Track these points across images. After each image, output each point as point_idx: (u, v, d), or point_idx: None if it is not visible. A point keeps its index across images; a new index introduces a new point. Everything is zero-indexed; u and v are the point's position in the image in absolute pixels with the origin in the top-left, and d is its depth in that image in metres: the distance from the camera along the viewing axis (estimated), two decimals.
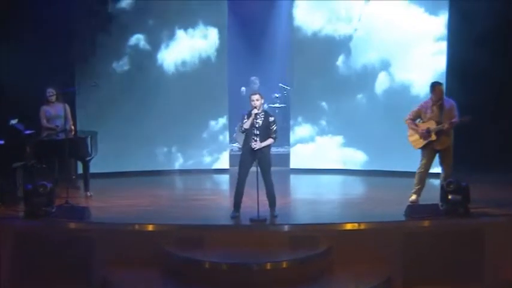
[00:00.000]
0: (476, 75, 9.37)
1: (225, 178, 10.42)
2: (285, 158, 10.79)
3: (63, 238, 7.00)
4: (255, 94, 7.32)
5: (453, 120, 7.79)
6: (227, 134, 10.69)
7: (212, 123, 10.54)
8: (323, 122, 10.35)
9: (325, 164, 10.27)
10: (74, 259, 6.84)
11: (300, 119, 10.52)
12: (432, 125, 7.89)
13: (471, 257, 6.93)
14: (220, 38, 10.49)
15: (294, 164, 10.54)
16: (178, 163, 10.45)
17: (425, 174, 8.07)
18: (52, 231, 7.08)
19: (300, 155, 10.50)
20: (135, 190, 9.17)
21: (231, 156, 10.78)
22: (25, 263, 6.91)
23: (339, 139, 10.29)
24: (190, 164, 10.47)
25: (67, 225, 7.21)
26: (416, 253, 6.94)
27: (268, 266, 6.54)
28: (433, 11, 9.69)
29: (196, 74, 10.44)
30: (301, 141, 10.53)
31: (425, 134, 7.89)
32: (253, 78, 11.84)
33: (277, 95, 12.05)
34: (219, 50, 10.49)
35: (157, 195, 8.84)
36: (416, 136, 7.99)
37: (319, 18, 10.18)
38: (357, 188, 9.57)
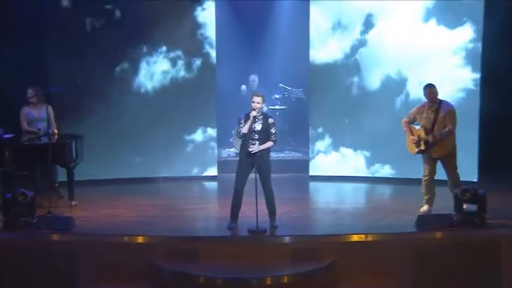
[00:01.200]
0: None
1: (213, 186, 10.46)
2: (304, 164, 10.91)
3: (44, 251, 6.98)
4: (258, 96, 7.28)
5: (438, 134, 7.67)
6: (215, 138, 10.76)
7: (199, 130, 10.66)
8: (342, 133, 10.54)
9: (341, 171, 10.44)
10: (57, 274, 6.81)
11: (320, 129, 10.70)
12: (422, 133, 7.88)
13: (487, 272, 6.90)
14: (210, 37, 10.62)
15: (313, 170, 10.70)
16: (165, 170, 10.50)
17: (431, 182, 8.05)
18: (33, 243, 7.06)
19: (320, 162, 10.63)
20: (122, 199, 9.18)
21: (219, 163, 10.83)
22: (3, 278, 6.89)
23: (357, 148, 10.42)
24: (177, 171, 10.53)
25: (49, 237, 7.20)
26: (428, 267, 6.93)
27: (268, 281, 6.52)
28: (450, 24, 9.82)
29: (183, 76, 10.57)
30: (322, 148, 10.69)
31: (416, 142, 7.89)
32: (252, 77, 11.89)
33: (277, 96, 12.09)
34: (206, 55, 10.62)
35: (145, 204, 8.87)
36: (408, 138, 8.03)
37: (334, 32, 10.43)
38: (366, 196, 9.60)
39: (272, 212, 7.47)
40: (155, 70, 10.53)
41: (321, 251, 6.95)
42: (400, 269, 6.92)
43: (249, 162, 7.30)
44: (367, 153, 10.41)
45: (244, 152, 7.35)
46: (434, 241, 7.12)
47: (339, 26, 10.36)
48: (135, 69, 10.45)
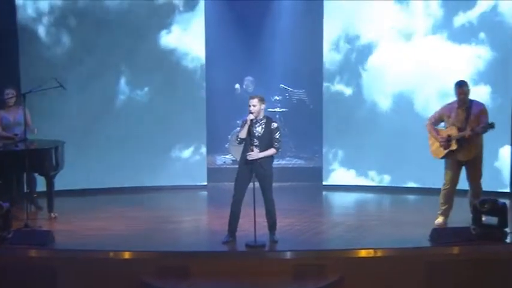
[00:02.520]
0: None
1: (203, 196, 10.50)
2: (307, 172, 10.98)
3: (21, 269, 6.93)
4: (253, 98, 7.30)
5: (477, 128, 7.75)
6: (204, 143, 10.77)
7: (189, 135, 10.71)
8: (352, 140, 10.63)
9: (350, 180, 10.53)
10: None
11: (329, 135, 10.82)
12: (454, 131, 7.89)
13: None
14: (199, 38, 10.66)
15: (317, 179, 10.77)
16: (151, 179, 10.55)
17: (451, 192, 8.04)
18: (8, 260, 7.01)
19: (327, 170, 10.71)
20: (106, 211, 9.18)
21: (209, 171, 10.83)
22: None
23: (367, 156, 10.51)
24: (164, 180, 10.58)
25: (27, 252, 7.14)
26: (443, 285, 6.91)
27: None
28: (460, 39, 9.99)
29: (166, 79, 10.63)
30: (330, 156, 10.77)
31: (445, 142, 7.90)
32: (248, 78, 11.92)
33: (277, 98, 12.10)
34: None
35: (131, 216, 8.88)
36: (437, 144, 8.00)
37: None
38: (376, 207, 9.61)
39: (272, 225, 7.45)
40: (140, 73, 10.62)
41: (326, 268, 6.92)
42: (412, 287, 6.89)
43: (248, 170, 7.29)
44: (377, 162, 10.47)
45: (243, 158, 7.34)
46: (451, 257, 7.09)
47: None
48: (118, 75, 10.52)
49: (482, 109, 7.91)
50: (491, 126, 7.70)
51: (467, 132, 7.76)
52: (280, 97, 12.17)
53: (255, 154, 7.21)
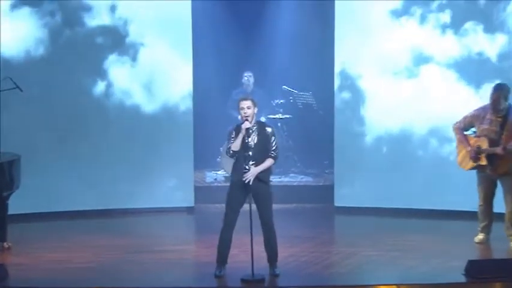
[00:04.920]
0: None
1: (189, 220, 10.53)
2: (317, 191, 11.04)
3: None
4: (246, 99, 7.29)
5: (509, 144, 7.76)
6: (190, 156, 10.79)
7: (172, 145, 10.71)
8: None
9: (371, 202, 10.57)
10: None
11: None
12: (484, 144, 7.86)
13: None
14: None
15: (327, 200, 10.82)
16: (125, 200, 10.55)
17: (488, 209, 8.10)
18: None
19: (347, 190, 10.75)
20: (71, 239, 9.17)
21: (197, 190, 10.84)
22: None
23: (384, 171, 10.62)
24: (141, 201, 10.58)
25: None
26: None
27: None
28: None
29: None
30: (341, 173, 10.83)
31: (474, 155, 7.88)
32: (246, 74, 11.91)
33: (279, 102, 12.09)
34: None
35: (101, 245, 8.85)
36: (465, 153, 8.02)
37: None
38: (399, 233, 9.55)
39: (273, 256, 7.40)
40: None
41: None
42: None
43: (243, 187, 7.23)
44: (400, 179, 10.52)
45: (236, 174, 7.28)
46: None
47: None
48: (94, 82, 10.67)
49: None
50: None
51: (498, 150, 7.78)
52: (283, 101, 12.15)
53: (252, 172, 7.17)
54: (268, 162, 7.26)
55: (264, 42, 11.96)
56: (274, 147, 7.27)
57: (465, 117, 8.16)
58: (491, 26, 10.11)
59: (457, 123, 8.19)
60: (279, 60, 11.98)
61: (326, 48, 11.10)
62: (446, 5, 10.31)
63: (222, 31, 11.93)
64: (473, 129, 8.15)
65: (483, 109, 8.06)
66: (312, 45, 11.97)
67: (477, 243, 7.98)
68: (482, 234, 8.15)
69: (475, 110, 8.14)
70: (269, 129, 7.31)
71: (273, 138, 7.27)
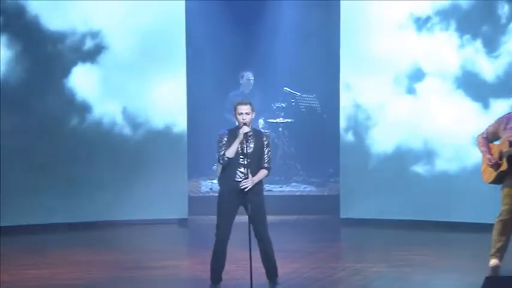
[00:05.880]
0: None
1: (183, 233, 10.53)
2: (332, 202, 10.97)
3: None
4: (245, 103, 7.24)
5: None
6: (184, 164, 10.80)
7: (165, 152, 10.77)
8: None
9: (379, 213, 10.61)
10: None
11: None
12: (505, 146, 7.69)
13: None
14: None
15: (346, 212, 10.80)
16: (114, 211, 10.55)
17: (508, 224, 7.83)
18: None
19: (353, 200, 10.74)
20: (56, 254, 9.17)
21: (191, 200, 10.83)
22: None
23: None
24: (131, 212, 10.58)
25: None
26: None
27: None
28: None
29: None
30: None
31: (494, 162, 7.72)
32: (245, 75, 11.94)
33: (280, 105, 12.08)
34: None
35: (87, 261, 8.84)
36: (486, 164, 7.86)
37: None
38: (408, 247, 9.53)
39: (272, 271, 7.33)
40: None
41: None
42: None
43: (235, 197, 7.19)
44: (411, 189, 10.55)
45: (228, 184, 7.23)
46: None
47: None
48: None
49: None
50: None
51: None
52: (284, 104, 12.15)
53: (250, 181, 7.13)
54: (262, 173, 7.24)
55: (263, 40, 12.02)
56: (267, 159, 7.25)
57: (488, 127, 8.04)
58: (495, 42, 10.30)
59: (480, 134, 8.06)
60: (280, 60, 12.01)
61: (331, 46, 11.14)
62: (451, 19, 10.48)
63: (218, 28, 11.96)
64: (497, 139, 7.98)
65: (507, 117, 7.96)
66: (315, 43, 12.00)
67: (492, 268, 7.71)
68: (495, 258, 7.76)
69: (498, 119, 8.03)
70: (265, 139, 7.30)
71: (267, 149, 7.26)
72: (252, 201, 7.17)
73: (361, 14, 10.72)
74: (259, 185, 7.25)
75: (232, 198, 7.19)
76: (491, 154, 7.86)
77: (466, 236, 9.55)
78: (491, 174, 7.84)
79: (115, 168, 10.59)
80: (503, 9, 10.28)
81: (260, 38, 11.99)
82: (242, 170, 7.15)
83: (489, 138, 7.97)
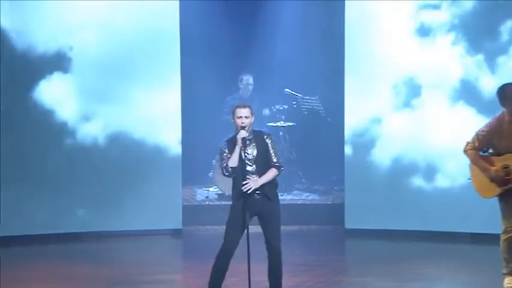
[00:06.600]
0: None
1: (177, 245, 10.56)
2: (337, 211, 10.95)
3: None
4: (245, 107, 7.22)
5: None
6: (178, 171, 10.82)
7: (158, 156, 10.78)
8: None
9: (387, 223, 10.62)
10: None
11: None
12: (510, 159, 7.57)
13: None
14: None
15: (351, 222, 10.79)
16: (103, 221, 10.57)
17: None
18: None
19: (359, 210, 10.73)
20: (40, 267, 9.18)
21: (186, 210, 10.84)
22: None
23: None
24: (121, 222, 10.58)
25: None
26: None
27: None
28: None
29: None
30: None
31: (500, 177, 7.57)
32: (245, 78, 11.92)
33: (282, 107, 12.02)
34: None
35: (73, 275, 8.84)
36: (482, 177, 7.65)
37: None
38: (418, 260, 9.50)
39: (276, 285, 7.27)
40: None
41: None
42: None
43: (246, 207, 7.11)
44: (419, 197, 10.56)
45: (237, 194, 7.16)
46: None
47: None
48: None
49: None
50: None
51: None
52: (285, 106, 12.10)
53: (254, 181, 7.07)
54: (272, 172, 7.17)
55: (263, 39, 12.01)
56: (274, 155, 7.20)
57: (478, 135, 7.78)
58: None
59: (468, 144, 7.82)
60: (280, 60, 12.02)
61: (335, 45, 11.14)
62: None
63: (215, 28, 11.97)
64: (487, 148, 7.83)
65: (498, 120, 7.74)
66: (318, 42, 11.97)
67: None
68: (509, 277, 7.69)
69: (489, 125, 7.75)
70: (267, 138, 7.25)
71: (272, 148, 7.20)
72: (264, 207, 7.15)
73: (367, 13, 10.73)
74: (270, 188, 7.20)
75: (241, 205, 7.14)
76: (493, 168, 7.68)
77: (480, 248, 9.53)
78: (494, 190, 7.69)
79: (103, 175, 10.62)
80: (506, 25, 10.38)
81: (259, 37, 12.00)
82: (250, 177, 7.12)
83: (479, 147, 7.75)
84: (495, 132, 7.63)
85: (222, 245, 7.15)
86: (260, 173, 7.14)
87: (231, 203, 7.30)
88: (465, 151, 7.70)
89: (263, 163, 7.15)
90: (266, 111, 11.88)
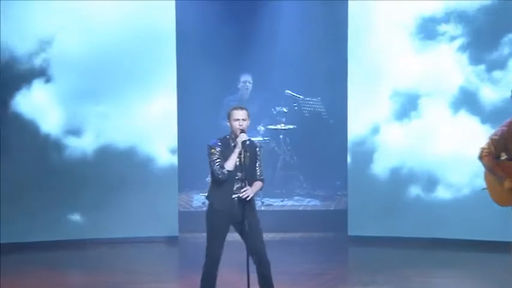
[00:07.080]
0: None
1: (172, 252, 10.63)
2: (340, 218, 10.95)
3: None
4: (242, 109, 7.24)
5: None
6: (174, 176, 10.88)
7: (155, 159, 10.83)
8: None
9: (392, 230, 10.63)
10: None
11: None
12: None
13: None
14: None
15: (355, 229, 10.79)
16: (95, 228, 10.61)
17: None
18: None
19: (363, 216, 10.74)
20: (36, 275, 9.18)
21: (182, 216, 10.88)
22: None
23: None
24: (115, 230, 10.62)
25: None
26: None
27: None
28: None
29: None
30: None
31: None
32: (244, 79, 12.00)
33: (282, 109, 12.06)
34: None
35: (65, 284, 8.94)
36: (499, 186, 7.56)
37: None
38: (424, 268, 9.48)
39: None
40: None
41: None
42: None
43: (230, 216, 7.15)
44: (425, 203, 10.57)
45: (223, 200, 7.18)
46: None
47: None
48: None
49: None
50: None
51: None
52: (286, 108, 12.11)
53: (251, 190, 7.09)
54: (259, 186, 7.25)
55: (262, 39, 12.02)
56: (260, 168, 7.29)
57: (492, 140, 7.75)
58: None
59: (484, 150, 7.77)
60: (281, 60, 12.02)
61: (337, 45, 11.18)
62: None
63: (213, 28, 11.98)
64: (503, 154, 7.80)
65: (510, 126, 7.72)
66: (320, 42, 12.00)
67: None
68: None
69: (503, 129, 7.75)
70: (258, 150, 7.30)
71: (259, 161, 7.28)
72: (249, 216, 7.11)
73: (371, 13, 10.76)
74: (253, 199, 7.21)
75: (226, 215, 7.15)
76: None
77: (490, 256, 9.53)
78: None
79: (99, 182, 10.67)
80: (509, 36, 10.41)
81: (259, 38, 12.01)
82: (239, 185, 7.13)
83: (495, 153, 7.71)
84: (510, 135, 7.59)
85: (207, 255, 7.22)
86: (248, 181, 7.15)
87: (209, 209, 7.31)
88: (481, 157, 7.58)
89: (251, 172, 7.17)
90: (261, 128, 11.93)
